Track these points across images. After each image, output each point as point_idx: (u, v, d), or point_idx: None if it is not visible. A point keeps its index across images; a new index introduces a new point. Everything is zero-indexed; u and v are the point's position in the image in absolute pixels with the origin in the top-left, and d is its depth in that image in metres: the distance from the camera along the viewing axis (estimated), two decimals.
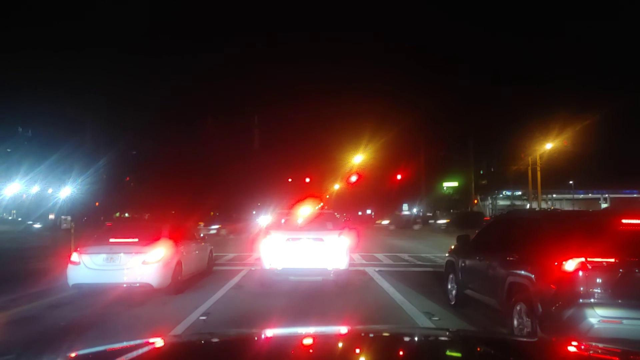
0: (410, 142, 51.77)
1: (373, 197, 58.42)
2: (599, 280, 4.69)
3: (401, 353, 2.24)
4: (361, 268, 12.74)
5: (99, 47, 77.96)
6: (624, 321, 4.59)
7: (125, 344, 2.21)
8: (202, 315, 7.20)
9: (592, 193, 59.77)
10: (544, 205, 46.04)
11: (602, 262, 4.71)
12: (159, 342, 2.36)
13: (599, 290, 4.69)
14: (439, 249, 17.78)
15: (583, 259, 4.71)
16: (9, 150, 47.38)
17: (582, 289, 4.68)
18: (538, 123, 38.18)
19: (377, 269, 12.78)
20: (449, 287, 8.22)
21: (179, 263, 9.13)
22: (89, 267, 8.37)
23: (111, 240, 9.05)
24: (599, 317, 4.59)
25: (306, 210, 11.76)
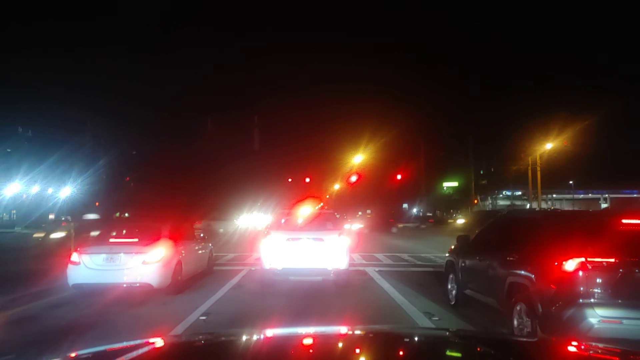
0: (410, 142, 51.75)
1: (373, 197, 58.39)
2: (599, 280, 4.70)
3: (401, 353, 2.24)
4: (361, 268, 12.73)
5: (98, 47, 77.98)
6: (624, 321, 4.60)
7: (125, 344, 2.21)
8: (202, 315, 7.20)
9: (592, 193, 59.84)
10: (544, 205, 46.05)
11: (602, 262, 4.71)
12: (159, 342, 2.36)
13: (599, 290, 4.69)
14: (439, 249, 17.77)
15: (583, 259, 4.72)
16: (9, 150, 47.39)
17: (582, 289, 4.69)
18: (538, 123, 38.21)
19: (377, 269, 12.78)
20: (449, 287, 8.22)
21: (179, 263, 9.13)
22: (89, 267, 8.37)
23: (111, 240, 9.05)
24: (599, 317, 4.60)
25: (306, 210, 11.76)
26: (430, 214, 55.17)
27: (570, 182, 56.95)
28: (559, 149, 37.25)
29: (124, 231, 9.99)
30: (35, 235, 23.38)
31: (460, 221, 42.44)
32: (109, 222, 21.48)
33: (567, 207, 50.15)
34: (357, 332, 2.68)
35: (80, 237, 18.59)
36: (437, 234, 32.99)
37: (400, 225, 39.99)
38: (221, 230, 32.82)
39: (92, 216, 32.89)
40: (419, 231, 38.50)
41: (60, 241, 20.00)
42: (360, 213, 57.99)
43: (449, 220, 48.84)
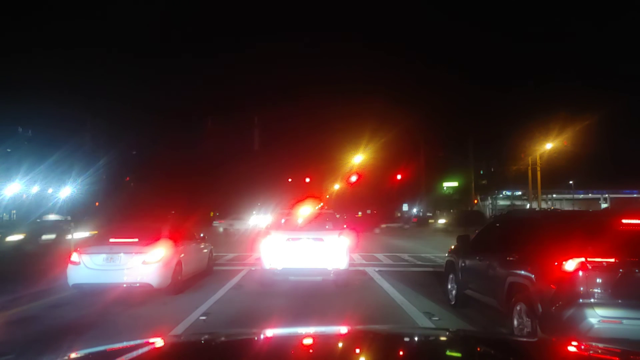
0: (410, 142, 51.76)
1: (373, 197, 58.43)
2: (599, 280, 4.70)
3: (401, 353, 2.24)
4: (361, 268, 12.73)
5: (99, 47, 78.00)
6: (624, 321, 4.60)
7: (125, 344, 2.21)
8: (202, 315, 7.20)
9: (592, 193, 59.77)
10: (544, 205, 46.06)
11: (602, 262, 4.71)
12: (159, 342, 2.36)
13: (599, 290, 4.69)
14: (439, 249, 17.77)
15: (583, 259, 4.72)
16: (9, 150, 47.36)
17: (582, 289, 4.69)
18: (538, 123, 38.19)
19: (377, 269, 12.78)
20: (449, 287, 8.22)
21: (179, 263, 9.13)
22: (89, 267, 8.37)
23: (111, 240, 9.04)
24: (599, 317, 4.60)
25: (306, 210, 11.76)
26: (431, 214, 55.29)
27: (570, 182, 56.93)
28: (559, 149, 37.27)
29: (124, 231, 9.98)
30: None
31: (441, 221, 43.12)
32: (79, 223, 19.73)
33: (567, 207, 50.12)
34: (357, 332, 2.68)
35: (36, 241, 17.16)
36: (420, 233, 33.98)
37: (384, 225, 40.50)
38: (221, 229, 33.10)
39: (52, 217, 31.28)
40: (401, 231, 39.08)
41: (15, 245, 17.34)
42: (360, 213, 58.09)
43: (430, 221, 49.37)
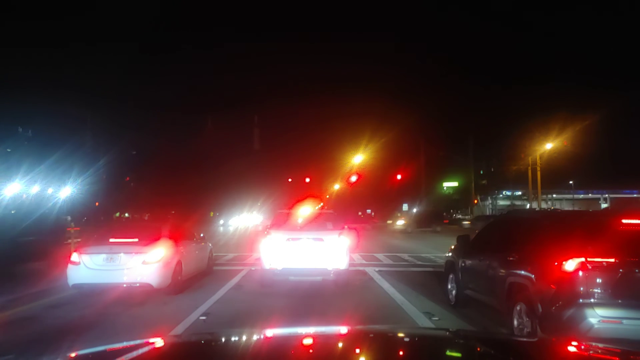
0: (410, 142, 51.87)
1: (373, 197, 58.48)
2: (599, 280, 4.70)
3: (401, 353, 2.24)
4: (361, 268, 12.73)
5: (99, 46, 77.91)
6: (624, 321, 4.60)
7: (125, 344, 2.21)
8: (202, 315, 7.20)
9: (592, 193, 59.90)
10: (544, 205, 46.09)
11: (602, 262, 4.71)
12: (159, 342, 2.36)
13: (599, 290, 4.69)
14: (439, 249, 17.78)
15: (583, 259, 4.72)
16: (9, 150, 47.35)
17: (582, 289, 4.69)
18: (538, 123, 38.28)
19: (377, 269, 12.78)
20: (449, 287, 8.22)
21: (179, 263, 9.13)
22: (89, 267, 8.36)
23: (111, 240, 9.04)
24: (599, 317, 4.60)
25: (306, 210, 11.75)
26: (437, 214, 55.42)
27: (570, 182, 57.00)
28: (559, 149, 37.32)
29: (124, 231, 9.98)
30: None
31: (400, 222, 43.30)
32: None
33: (567, 207, 50.16)
34: (357, 332, 2.68)
35: None
36: (380, 233, 35.23)
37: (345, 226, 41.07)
38: (221, 228, 33.18)
39: None
40: (363, 231, 39.50)
41: None
42: (360, 213, 58.14)
43: (388, 222, 49.39)
